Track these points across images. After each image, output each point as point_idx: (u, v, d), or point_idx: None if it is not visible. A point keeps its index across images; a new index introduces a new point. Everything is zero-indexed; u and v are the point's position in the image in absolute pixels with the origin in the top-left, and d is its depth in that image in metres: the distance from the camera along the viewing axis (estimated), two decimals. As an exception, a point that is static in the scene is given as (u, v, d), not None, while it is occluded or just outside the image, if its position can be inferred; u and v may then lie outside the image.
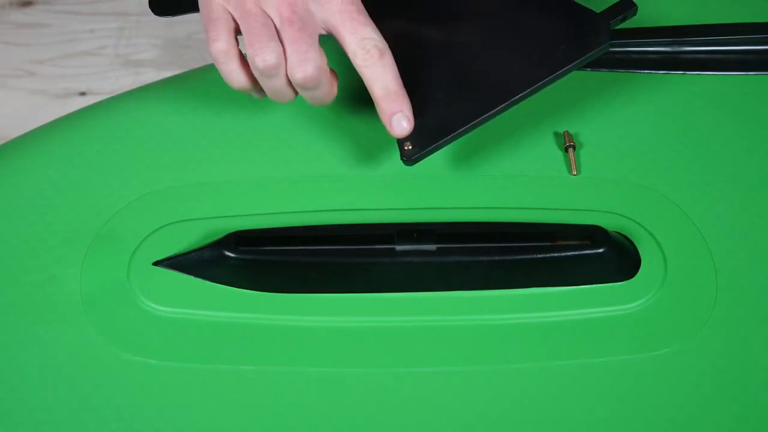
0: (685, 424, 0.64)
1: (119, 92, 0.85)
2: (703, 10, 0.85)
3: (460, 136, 0.71)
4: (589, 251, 0.68)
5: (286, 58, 0.70)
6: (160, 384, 0.65)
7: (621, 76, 0.81)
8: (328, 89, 0.72)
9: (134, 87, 0.86)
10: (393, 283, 0.69)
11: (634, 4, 0.74)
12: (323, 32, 0.71)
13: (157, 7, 0.83)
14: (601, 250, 0.69)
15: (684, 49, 0.82)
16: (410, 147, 0.71)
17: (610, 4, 0.74)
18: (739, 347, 0.67)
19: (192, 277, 0.69)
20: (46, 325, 0.68)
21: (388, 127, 0.70)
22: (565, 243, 0.69)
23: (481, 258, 0.69)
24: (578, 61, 0.72)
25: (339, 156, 0.75)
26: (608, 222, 0.71)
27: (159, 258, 0.70)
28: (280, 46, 0.70)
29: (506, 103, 0.71)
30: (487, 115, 0.71)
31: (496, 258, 0.69)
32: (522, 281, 0.69)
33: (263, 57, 0.69)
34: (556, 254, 0.69)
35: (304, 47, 0.69)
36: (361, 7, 0.70)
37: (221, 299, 0.68)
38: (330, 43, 0.72)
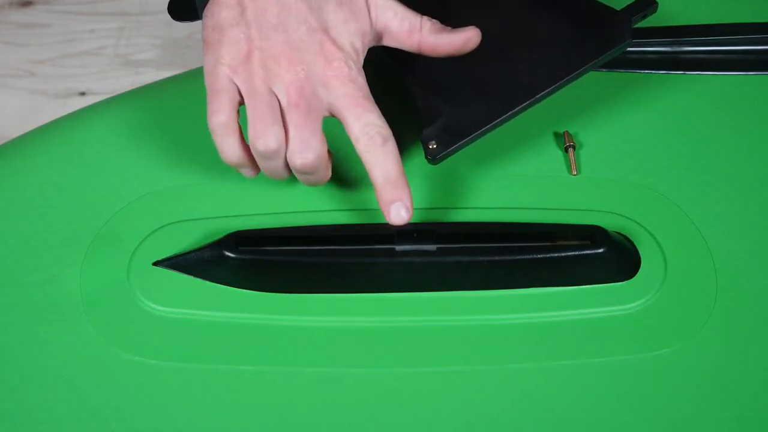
0: (685, 424, 0.64)
1: (119, 92, 0.85)
2: (703, 10, 0.85)
3: (484, 134, 0.71)
4: (589, 251, 0.68)
5: (287, 142, 0.68)
6: (160, 384, 0.65)
7: (621, 76, 0.81)
8: (324, 174, 0.71)
9: (134, 87, 0.86)
10: (393, 283, 0.69)
11: (655, 2, 0.74)
12: (328, 115, 0.70)
13: (174, 12, 0.83)
14: (601, 250, 0.69)
15: (684, 49, 0.82)
16: (435, 146, 0.71)
17: (630, 2, 0.74)
18: (739, 347, 0.67)
19: (192, 277, 0.69)
20: (46, 325, 0.68)
21: (386, 215, 0.69)
22: (565, 243, 0.69)
23: (481, 258, 0.69)
24: (600, 58, 0.72)
25: (339, 156, 0.75)
26: (608, 222, 0.71)
27: (159, 258, 0.70)
28: (283, 130, 0.68)
29: (528, 102, 0.71)
30: (509, 113, 0.71)
31: (496, 258, 0.69)
32: (522, 281, 0.69)
33: (265, 141, 0.68)
34: (556, 254, 0.69)
35: (307, 133, 0.68)
36: (368, 92, 0.69)
37: (221, 299, 0.68)
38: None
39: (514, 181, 0.74)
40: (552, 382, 0.65)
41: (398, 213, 0.69)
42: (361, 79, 0.69)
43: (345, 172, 0.75)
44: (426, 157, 0.71)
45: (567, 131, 0.77)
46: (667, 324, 0.67)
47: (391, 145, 0.69)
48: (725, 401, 0.64)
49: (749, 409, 0.64)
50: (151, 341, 0.67)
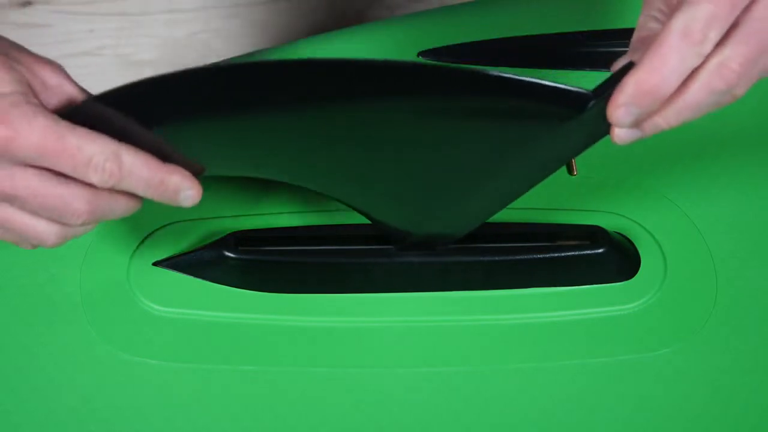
0: (685, 424, 0.64)
1: (119, 92, 0.84)
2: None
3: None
4: (589, 251, 0.68)
5: None
6: (160, 384, 0.65)
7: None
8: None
9: (134, 87, 0.86)
10: (393, 283, 0.69)
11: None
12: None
13: None
14: (601, 251, 0.69)
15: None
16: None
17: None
18: (739, 347, 0.67)
19: (192, 277, 0.69)
20: (46, 325, 0.68)
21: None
22: (565, 243, 0.70)
23: (481, 258, 0.69)
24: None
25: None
26: (608, 222, 0.71)
27: (159, 258, 0.70)
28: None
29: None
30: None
31: (496, 258, 0.69)
32: (522, 281, 0.69)
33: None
34: (556, 254, 0.69)
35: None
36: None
37: (221, 299, 0.68)
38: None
39: (514, 181, 0.74)
40: (552, 382, 0.65)
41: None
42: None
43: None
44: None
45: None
46: (667, 324, 0.67)
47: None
48: (725, 401, 0.64)
49: (749, 409, 0.64)
50: (151, 341, 0.67)
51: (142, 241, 0.71)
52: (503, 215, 0.72)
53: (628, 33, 0.85)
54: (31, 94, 0.57)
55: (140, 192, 0.59)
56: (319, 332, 0.67)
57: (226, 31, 1.43)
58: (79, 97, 0.60)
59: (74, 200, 0.57)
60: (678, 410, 0.64)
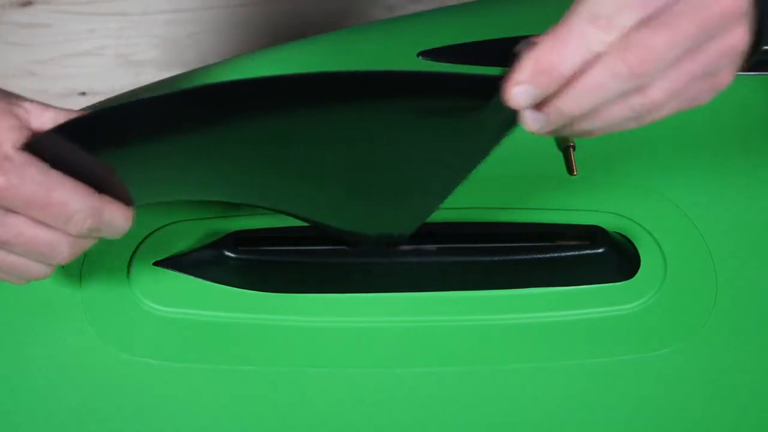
0: (685, 424, 0.64)
1: (119, 92, 0.85)
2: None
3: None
4: (588, 251, 0.68)
5: None
6: (160, 384, 0.65)
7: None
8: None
9: (134, 87, 0.86)
10: (393, 283, 0.69)
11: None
12: None
13: None
14: (600, 250, 0.69)
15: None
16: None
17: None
18: (739, 347, 0.67)
19: (192, 277, 0.69)
20: (46, 325, 0.68)
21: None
22: (564, 243, 0.70)
23: (481, 258, 0.69)
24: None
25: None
26: (608, 222, 0.71)
27: (159, 258, 0.70)
28: None
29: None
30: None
31: (496, 258, 0.69)
32: (522, 281, 0.69)
33: None
34: (556, 254, 0.69)
35: None
36: None
37: (221, 299, 0.68)
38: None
39: (514, 181, 0.74)
40: (552, 382, 0.65)
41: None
42: None
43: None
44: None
45: (567, 131, 0.77)
46: (666, 324, 0.68)
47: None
48: (725, 401, 0.65)
49: (749, 409, 0.64)
50: (151, 341, 0.67)
51: (142, 241, 0.71)
52: (503, 215, 0.72)
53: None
54: (23, 138, 0.59)
55: (110, 237, 0.63)
56: (319, 332, 0.67)
57: (226, 31, 1.43)
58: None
59: (59, 245, 0.61)
60: (678, 410, 0.64)
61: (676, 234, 0.71)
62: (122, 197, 0.62)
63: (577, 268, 0.69)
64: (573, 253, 0.69)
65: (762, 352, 0.66)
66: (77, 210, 0.60)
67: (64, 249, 0.61)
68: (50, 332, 0.67)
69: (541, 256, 0.69)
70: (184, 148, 0.60)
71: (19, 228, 0.60)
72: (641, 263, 0.70)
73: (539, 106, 0.56)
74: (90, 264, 0.70)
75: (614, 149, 0.76)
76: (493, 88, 0.56)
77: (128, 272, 0.69)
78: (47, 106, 0.62)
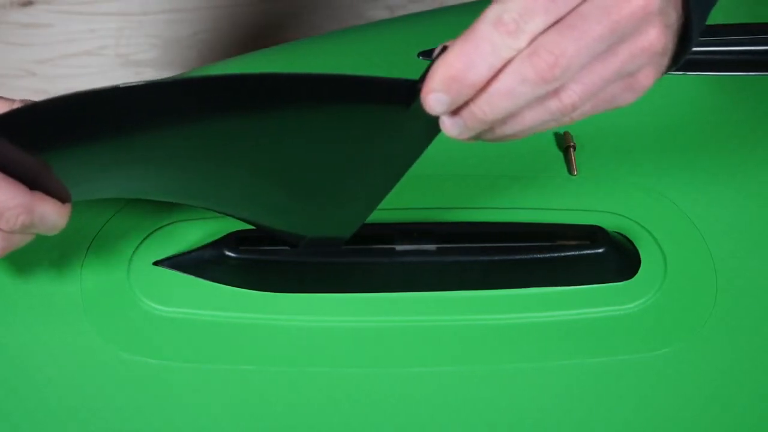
0: (684, 424, 0.64)
1: (119, 92, 0.84)
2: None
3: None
4: (589, 251, 0.68)
5: None
6: (160, 384, 0.65)
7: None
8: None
9: (134, 87, 0.86)
10: (393, 283, 0.69)
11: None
12: None
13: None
14: (601, 250, 0.69)
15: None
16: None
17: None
18: (739, 347, 0.67)
19: (192, 277, 0.69)
20: (46, 325, 0.68)
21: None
22: (564, 243, 0.70)
23: (480, 258, 0.69)
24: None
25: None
26: (608, 222, 0.71)
27: (159, 258, 0.70)
28: None
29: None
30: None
31: (496, 258, 0.69)
32: (522, 281, 0.69)
33: None
34: (555, 254, 0.69)
35: None
36: None
37: (221, 299, 0.68)
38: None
39: (513, 181, 0.74)
40: (552, 382, 0.65)
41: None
42: None
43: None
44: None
45: (567, 131, 0.77)
46: (667, 324, 0.68)
47: None
48: (725, 401, 0.65)
49: (749, 409, 0.64)
50: (152, 341, 0.67)
51: (142, 241, 0.71)
52: (503, 215, 0.72)
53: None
54: None
55: (45, 233, 0.62)
56: (319, 332, 0.67)
57: (226, 31, 1.44)
58: None
59: None
60: (678, 410, 0.64)
61: (676, 234, 0.71)
62: (57, 193, 0.61)
63: (577, 268, 0.69)
64: (573, 253, 0.69)
65: (762, 352, 0.66)
66: (8, 207, 0.58)
67: None
68: (50, 332, 0.67)
69: (541, 256, 0.69)
70: (118, 145, 0.59)
71: None
72: (641, 263, 0.70)
73: (456, 111, 0.55)
74: (90, 264, 0.70)
75: (614, 149, 0.76)
76: (412, 92, 0.55)
77: (128, 272, 0.69)
78: None
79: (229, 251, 0.69)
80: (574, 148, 0.76)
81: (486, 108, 0.55)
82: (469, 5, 0.88)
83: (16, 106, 0.60)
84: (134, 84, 0.54)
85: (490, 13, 0.53)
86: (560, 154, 0.76)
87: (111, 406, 0.64)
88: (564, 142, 0.76)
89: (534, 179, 0.74)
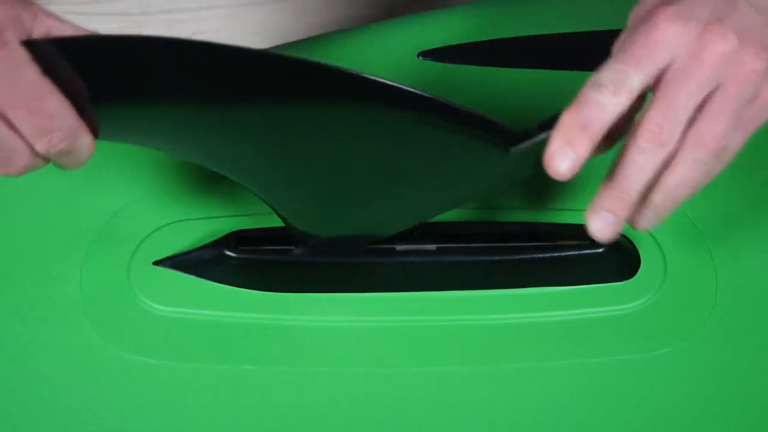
0: (684, 424, 0.64)
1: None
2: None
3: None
4: (589, 251, 0.68)
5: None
6: (160, 384, 0.65)
7: (621, 76, 0.80)
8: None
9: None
10: (393, 283, 0.69)
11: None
12: None
13: None
14: (600, 250, 0.69)
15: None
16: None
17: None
18: (739, 347, 0.67)
19: (192, 277, 0.69)
20: (46, 325, 0.68)
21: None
22: (564, 243, 0.70)
23: (481, 258, 0.69)
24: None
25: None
26: (608, 222, 0.71)
27: (159, 258, 0.70)
28: None
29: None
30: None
31: (496, 258, 0.69)
32: (522, 281, 0.69)
33: None
34: (555, 254, 0.69)
35: None
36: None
37: (221, 299, 0.68)
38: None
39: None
40: (552, 382, 0.65)
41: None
42: None
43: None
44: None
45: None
46: (666, 324, 0.67)
47: None
48: (725, 401, 0.64)
49: (749, 409, 0.64)
50: (151, 341, 0.67)
51: (142, 241, 0.71)
52: (504, 215, 0.72)
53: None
54: (24, 35, 0.56)
55: (68, 165, 0.60)
56: (319, 332, 0.67)
57: (226, 31, 1.43)
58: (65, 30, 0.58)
59: (18, 157, 0.57)
60: (678, 410, 0.64)
61: (676, 234, 0.71)
62: (92, 127, 0.59)
63: (577, 268, 0.69)
64: (573, 253, 0.69)
65: (762, 352, 0.66)
66: (60, 126, 0.56)
67: (19, 163, 0.57)
68: (50, 331, 0.67)
69: (541, 256, 0.69)
70: (180, 103, 0.58)
71: None
72: (641, 263, 0.70)
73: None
74: (90, 264, 0.70)
75: (614, 149, 0.76)
76: (513, 140, 0.58)
77: (128, 272, 0.69)
78: (55, 17, 0.58)
79: (229, 251, 0.69)
80: (574, 148, 0.76)
81: (619, 183, 0.59)
82: (469, 5, 0.88)
83: (82, 33, 0.57)
84: (229, 46, 0.53)
85: (589, 81, 0.57)
86: (560, 154, 0.76)
87: (111, 406, 0.64)
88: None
89: (534, 179, 0.74)
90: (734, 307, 0.68)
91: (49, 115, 0.55)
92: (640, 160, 0.57)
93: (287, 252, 0.69)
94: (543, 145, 0.57)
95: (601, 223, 0.59)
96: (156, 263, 0.70)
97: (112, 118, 0.59)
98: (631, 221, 0.60)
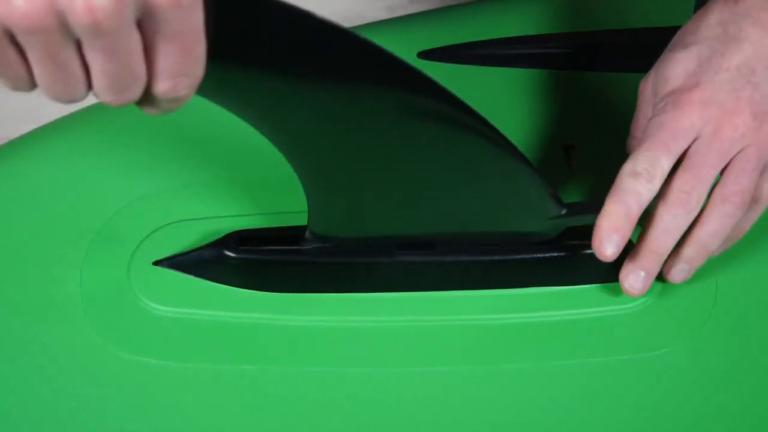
0: (684, 424, 0.64)
1: (119, 92, 0.84)
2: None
3: None
4: (589, 251, 0.68)
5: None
6: (160, 384, 0.65)
7: (621, 77, 0.81)
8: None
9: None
10: (393, 283, 0.69)
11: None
12: None
13: None
14: (601, 250, 0.69)
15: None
16: None
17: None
18: (739, 347, 0.67)
19: (192, 277, 0.69)
20: (46, 325, 0.68)
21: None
22: (565, 243, 0.70)
23: (481, 257, 0.69)
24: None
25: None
26: (608, 222, 0.71)
27: (159, 258, 0.70)
28: None
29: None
30: None
31: (496, 257, 0.69)
32: (522, 281, 0.69)
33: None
34: (556, 254, 0.69)
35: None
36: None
37: (221, 299, 0.68)
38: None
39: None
40: (551, 382, 0.65)
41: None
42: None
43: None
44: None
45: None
46: (666, 324, 0.68)
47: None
48: (725, 401, 0.65)
49: (749, 408, 0.64)
50: (151, 341, 0.67)
51: (142, 241, 0.71)
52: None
53: (627, 34, 0.85)
54: None
55: (163, 110, 0.55)
56: (319, 332, 0.67)
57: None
58: None
59: (129, 91, 0.52)
60: (678, 410, 0.64)
61: (676, 234, 0.71)
62: None
63: (577, 268, 0.69)
64: (573, 252, 0.69)
65: (762, 352, 0.66)
66: (194, 74, 0.52)
67: (125, 96, 0.52)
68: (50, 332, 0.67)
69: (541, 255, 0.69)
70: (281, 73, 0.57)
71: (131, 54, 0.49)
72: (641, 263, 0.70)
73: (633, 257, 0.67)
74: (90, 264, 0.70)
75: (614, 149, 0.76)
76: (558, 210, 0.67)
77: (128, 272, 0.69)
78: None
79: (229, 251, 0.69)
80: (574, 148, 0.76)
81: (654, 245, 0.66)
82: (469, 5, 0.88)
83: None
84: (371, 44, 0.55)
85: (626, 168, 0.65)
86: (560, 154, 0.76)
87: (111, 406, 0.64)
88: (564, 142, 0.76)
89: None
90: (734, 307, 0.68)
91: (194, 60, 0.51)
92: (671, 223, 0.65)
93: (287, 252, 0.69)
94: (580, 223, 0.67)
95: (635, 280, 0.66)
96: (156, 263, 0.70)
97: (219, 76, 0.56)
98: (666, 275, 0.67)
